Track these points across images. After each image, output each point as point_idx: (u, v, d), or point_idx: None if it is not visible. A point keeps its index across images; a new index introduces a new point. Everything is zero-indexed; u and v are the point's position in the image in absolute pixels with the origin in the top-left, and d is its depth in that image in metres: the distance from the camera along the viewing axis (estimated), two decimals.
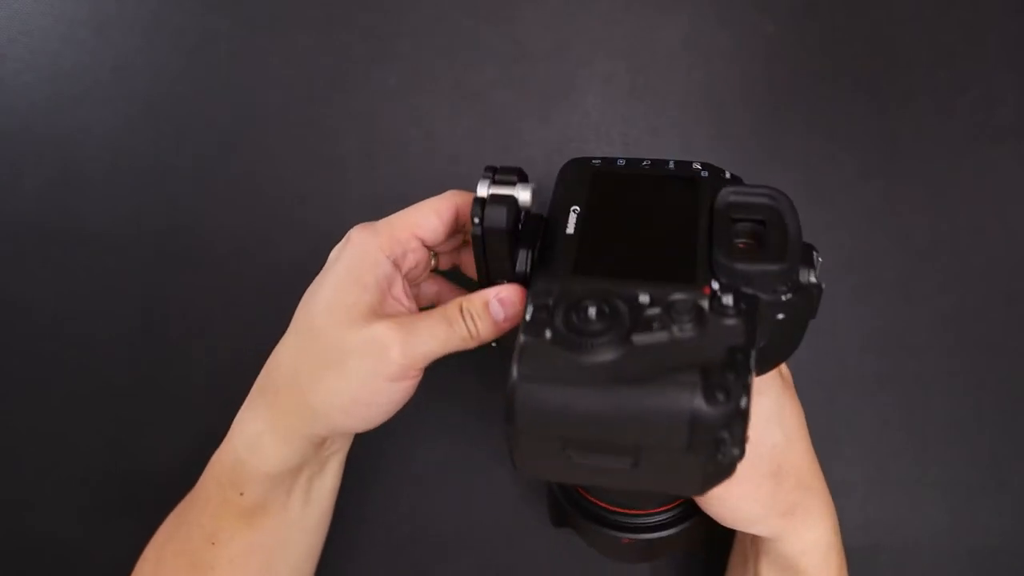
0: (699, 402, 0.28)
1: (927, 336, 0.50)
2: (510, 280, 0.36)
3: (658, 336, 0.30)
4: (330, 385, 0.36)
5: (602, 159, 0.38)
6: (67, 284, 0.52)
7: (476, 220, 0.34)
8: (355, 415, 0.37)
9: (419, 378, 0.37)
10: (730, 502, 0.38)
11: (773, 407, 0.38)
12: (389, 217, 0.39)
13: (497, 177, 0.35)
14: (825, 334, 0.48)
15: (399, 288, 0.38)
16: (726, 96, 0.51)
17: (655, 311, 0.31)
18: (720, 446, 0.29)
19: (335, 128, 0.52)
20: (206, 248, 0.52)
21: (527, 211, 0.36)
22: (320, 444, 0.40)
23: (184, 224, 0.52)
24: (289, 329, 0.39)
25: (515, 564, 0.53)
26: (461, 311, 0.36)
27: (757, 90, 0.51)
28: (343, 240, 0.39)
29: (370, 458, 0.51)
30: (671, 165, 0.38)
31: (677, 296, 0.31)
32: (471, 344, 0.36)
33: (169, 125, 0.52)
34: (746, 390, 0.29)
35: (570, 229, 0.35)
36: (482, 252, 0.35)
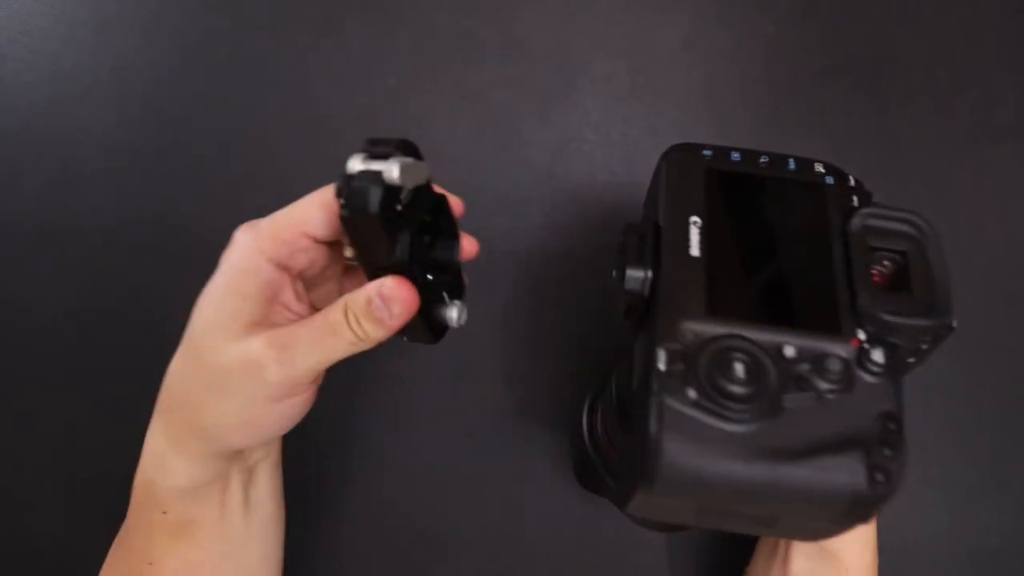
0: (860, 484, 0.26)
1: None
2: (389, 269, 0.32)
3: (807, 399, 0.28)
4: (216, 408, 0.34)
5: (713, 149, 0.34)
6: (67, 284, 0.52)
7: (341, 201, 0.30)
8: (249, 435, 0.35)
9: (314, 390, 0.35)
10: None
11: None
12: (273, 215, 0.35)
13: (372, 150, 0.31)
14: None
15: (289, 294, 0.35)
16: (726, 96, 0.51)
17: (803, 368, 0.28)
18: (870, 515, 0.28)
19: (335, 128, 0.52)
20: (206, 248, 0.52)
21: (412, 186, 0.32)
22: (233, 457, 0.37)
23: (184, 224, 0.52)
24: (180, 347, 0.36)
25: (516, 564, 0.53)
26: (345, 314, 0.32)
27: (757, 90, 0.51)
28: (227, 247, 0.35)
29: (369, 456, 0.51)
30: (791, 165, 0.34)
31: (825, 350, 0.28)
32: (365, 346, 0.33)
33: (169, 125, 0.52)
34: (903, 466, 0.27)
35: (694, 250, 0.31)
36: (354, 239, 0.31)
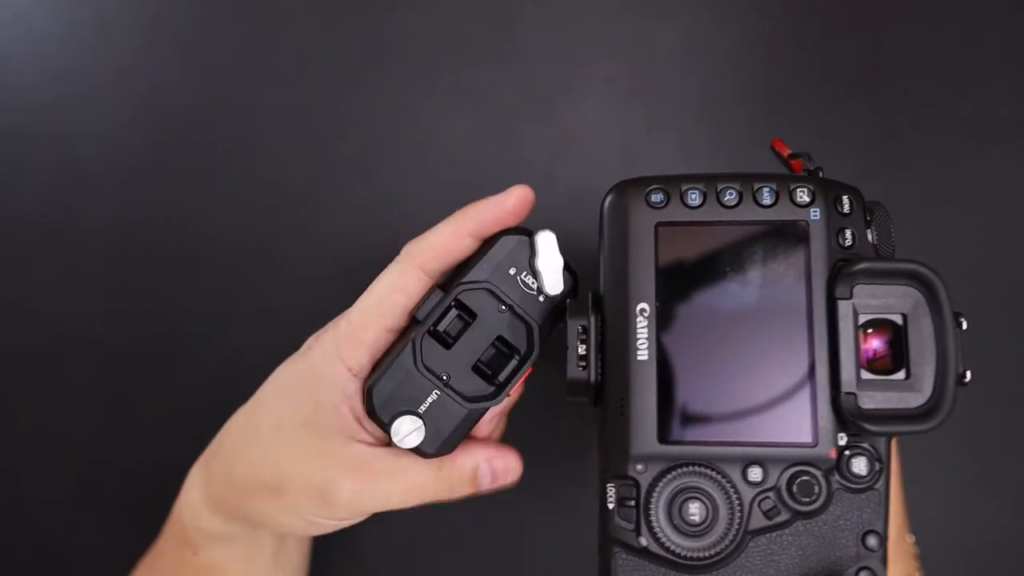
0: None
1: None
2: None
3: (778, 527, 0.25)
4: (268, 505, 0.32)
5: (664, 191, 0.28)
6: (67, 284, 0.52)
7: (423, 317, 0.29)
8: (290, 531, 0.34)
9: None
10: None
11: None
12: (349, 313, 0.32)
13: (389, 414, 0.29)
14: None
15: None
16: (725, 97, 0.51)
17: (769, 491, 0.25)
18: None
19: (335, 128, 0.52)
20: (206, 248, 0.52)
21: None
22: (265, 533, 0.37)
23: (184, 224, 0.52)
24: (240, 413, 0.35)
25: (517, 563, 0.53)
26: (442, 477, 0.30)
27: (756, 90, 0.51)
28: (309, 343, 0.33)
29: None
30: (766, 198, 0.27)
31: (799, 466, 0.25)
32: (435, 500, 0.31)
33: (169, 125, 0.52)
34: None
35: (642, 352, 0.26)
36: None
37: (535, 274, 0.30)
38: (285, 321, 0.51)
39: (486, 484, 0.31)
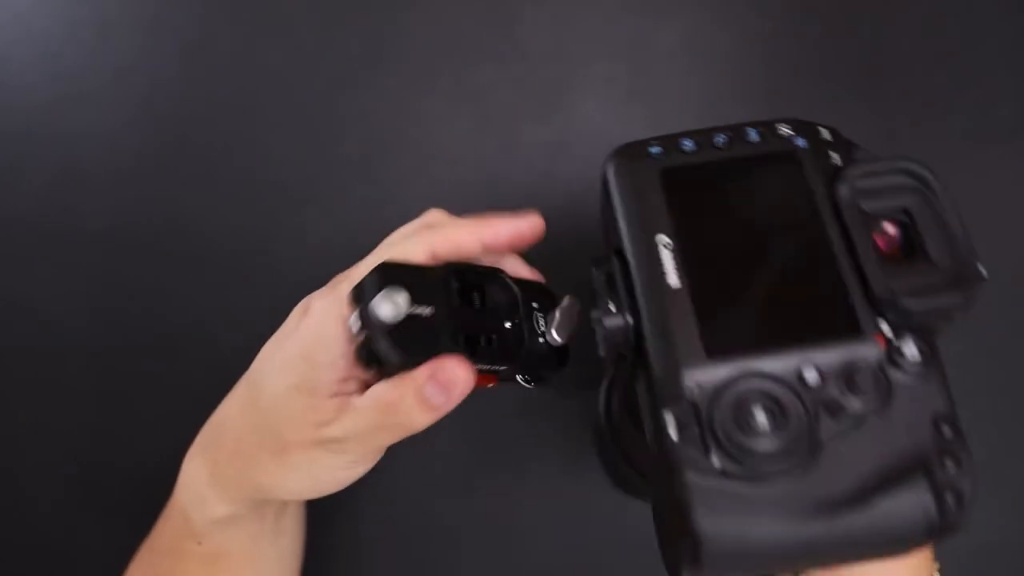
0: (932, 515, 0.23)
1: None
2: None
3: (845, 427, 0.24)
4: (276, 474, 0.33)
5: (661, 145, 0.29)
6: (67, 284, 0.52)
7: (362, 362, 0.29)
8: (299, 495, 0.35)
9: (375, 460, 0.34)
10: None
11: None
12: (351, 276, 0.33)
13: (360, 303, 0.28)
14: None
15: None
16: (725, 96, 0.51)
17: (832, 392, 0.24)
18: (954, 533, 0.24)
19: (335, 128, 0.52)
20: (206, 248, 0.52)
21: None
22: (271, 505, 0.37)
23: (184, 224, 0.52)
24: (238, 389, 0.36)
25: (518, 564, 0.53)
26: (395, 402, 0.30)
27: (756, 90, 0.51)
28: (302, 308, 0.34)
29: None
30: (753, 135, 0.29)
31: (851, 360, 0.24)
32: (412, 432, 0.31)
33: (169, 125, 0.52)
34: (973, 477, 0.24)
35: (671, 278, 0.26)
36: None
37: (549, 319, 0.32)
38: (283, 321, 0.51)
39: (439, 400, 0.30)
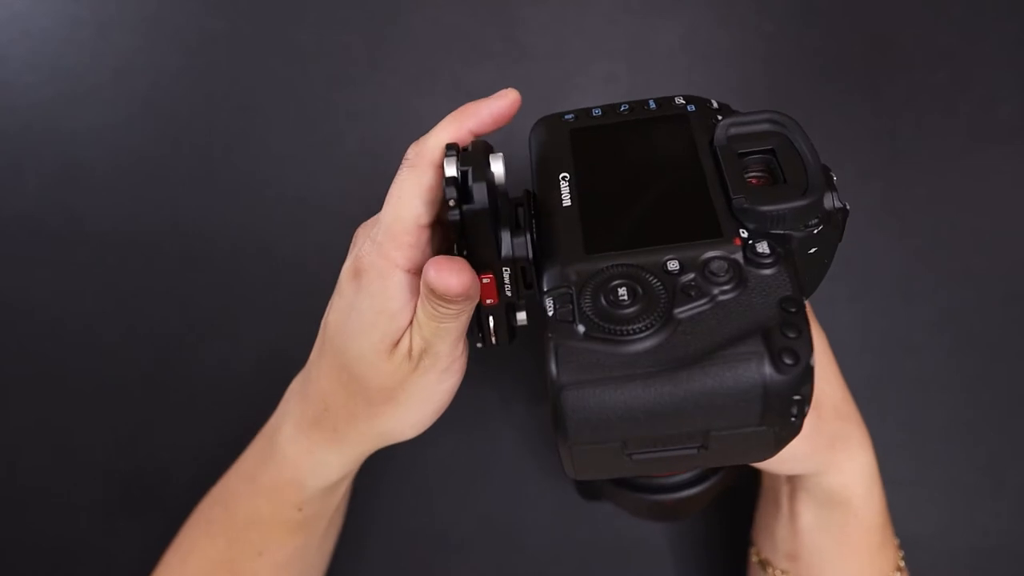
0: (769, 372, 0.26)
1: (926, 336, 0.50)
2: (496, 269, 0.32)
3: (701, 305, 0.28)
4: (391, 416, 0.36)
5: (575, 113, 0.35)
6: (67, 284, 0.52)
7: (452, 203, 0.30)
8: (422, 425, 0.37)
9: (465, 350, 0.35)
10: None
11: None
12: (383, 225, 0.34)
13: (464, 153, 0.31)
14: (824, 334, 0.48)
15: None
16: (725, 96, 0.50)
17: (689, 277, 0.28)
18: (794, 409, 0.27)
19: (335, 128, 0.52)
20: (206, 248, 0.52)
21: (501, 188, 0.32)
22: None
23: (184, 224, 0.52)
24: (323, 364, 0.37)
25: (519, 564, 0.53)
26: (427, 308, 0.32)
27: (756, 90, 0.51)
28: (351, 271, 0.35)
29: (376, 457, 0.51)
30: (652, 105, 0.35)
31: (709, 255, 0.29)
32: (467, 314, 0.32)
33: (169, 125, 0.52)
34: (809, 344, 0.27)
35: (566, 200, 0.32)
36: (463, 239, 0.31)
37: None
38: (285, 320, 0.51)
39: (440, 285, 0.31)
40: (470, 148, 0.31)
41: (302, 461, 0.39)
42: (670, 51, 0.50)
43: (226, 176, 0.52)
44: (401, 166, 0.33)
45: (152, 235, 0.52)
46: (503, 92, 0.34)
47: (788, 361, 0.26)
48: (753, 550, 0.45)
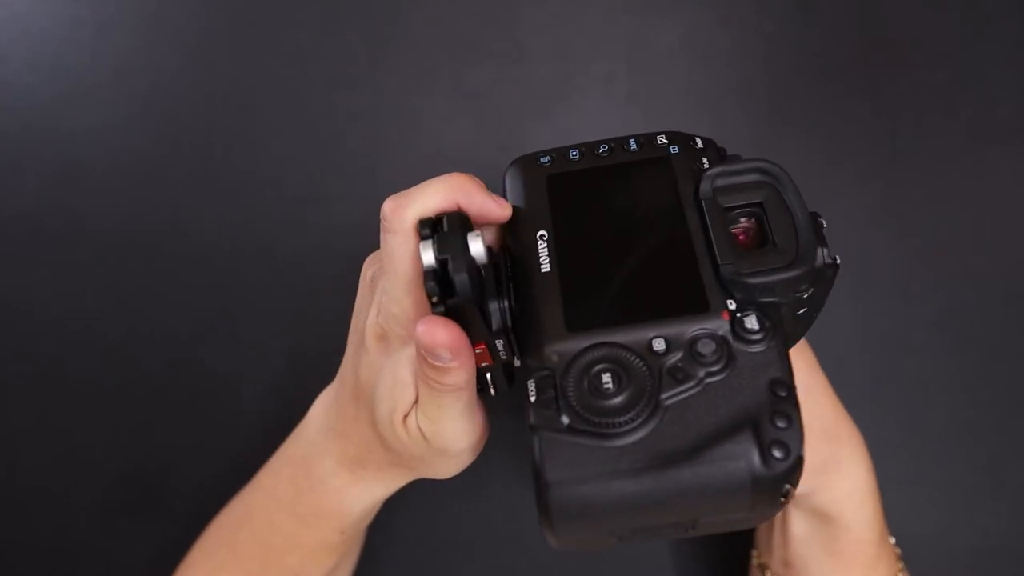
0: (759, 467, 0.26)
1: (926, 336, 0.50)
2: (489, 341, 0.30)
3: (688, 389, 0.27)
4: (428, 471, 0.36)
5: (552, 155, 0.33)
6: (67, 284, 0.52)
7: (434, 299, 0.28)
8: (458, 470, 0.37)
9: (483, 416, 0.35)
10: None
11: None
12: (391, 298, 0.32)
13: (440, 235, 0.29)
14: (824, 334, 0.48)
15: None
16: (725, 96, 0.51)
17: (676, 357, 0.27)
18: (783, 496, 0.26)
19: (335, 128, 0.52)
20: (206, 248, 0.52)
21: (481, 262, 0.30)
22: None
23: (184, 224, 0.52)
24: (363, 414, 0.36)
25: (520, 565, 0.53)
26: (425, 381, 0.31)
27: (756, 90, 0.51)
28: (378, 331, 0.33)
29: None
30: (633, 145, 0.33)
31: (695, 332, 0.27)
32: (467, 387, 0.31)
33: (169, 125, 0.52)
34: (799, 435, 0.26)
35: (544, 265, 0.30)
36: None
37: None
38: (285, 320, 0.51)
39: (427, 339, 0.29)
40: (445, 224, 0.29)
41: (348, 491, 0.39)
42: (670, 51, 0.50)
43: (226, 176, 0.52)
44: (384, 229, 0.31)
45: (152, 235, 0.52)
46: (504, 202, 0.33)
47: (778, 455, 0.26)
48: (755, 553, 0.45)
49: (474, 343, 0.30)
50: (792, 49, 0.50)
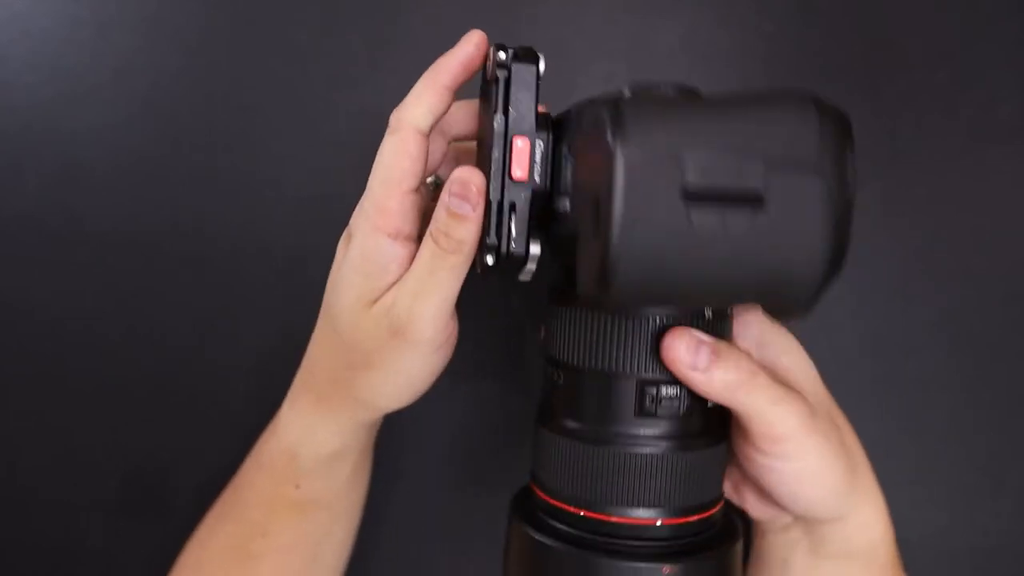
0: (818, 116, 0.29)
1: (926, 337, 0.50)
2: (531, 133, 0.33)
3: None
4: (366, 382, 0.36)
5: None
6: (67, 284, 0.52)
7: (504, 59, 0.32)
8: (399, 399, 0.37)
9: (455, 329, 0.36)
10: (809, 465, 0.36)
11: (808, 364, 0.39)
12: (369, 191, 0.35)
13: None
14: (824, 335, 0.48)
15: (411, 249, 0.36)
16: None
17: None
18: (848, 167, 0.29)
19: (335, 128, 0.52)
20: (206, 248, 0.52)
21: None
22: (372, 427, 0.41)
23: (184, 224, 0.52)
24: (318, 328, 0.39)
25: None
26: (432, 237, 0.33)
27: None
28: (345, 238, 0.37)
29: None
30: None
31: None
32: (464, 260, 0.33)
33: (169, 125, 0.52)
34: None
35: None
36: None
37: None
38: (285, 321, 0.51)
39: (466, 208, 0.32)
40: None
41: (292, 429, 0.40)
42: (670, 51, 0.50)
43: (226, 176, 0.52)
44: (386, 133, 0.34)
45: (152, 235, 0.52)
46: (468, 36, 0.35)
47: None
48: None
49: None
50: (792, 49, 0.50)
